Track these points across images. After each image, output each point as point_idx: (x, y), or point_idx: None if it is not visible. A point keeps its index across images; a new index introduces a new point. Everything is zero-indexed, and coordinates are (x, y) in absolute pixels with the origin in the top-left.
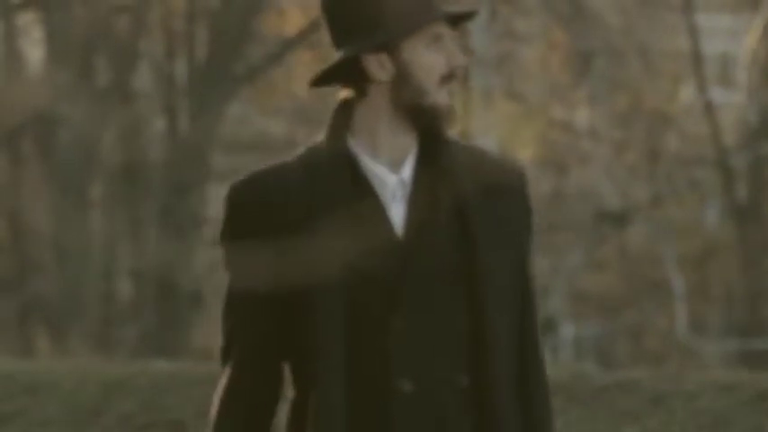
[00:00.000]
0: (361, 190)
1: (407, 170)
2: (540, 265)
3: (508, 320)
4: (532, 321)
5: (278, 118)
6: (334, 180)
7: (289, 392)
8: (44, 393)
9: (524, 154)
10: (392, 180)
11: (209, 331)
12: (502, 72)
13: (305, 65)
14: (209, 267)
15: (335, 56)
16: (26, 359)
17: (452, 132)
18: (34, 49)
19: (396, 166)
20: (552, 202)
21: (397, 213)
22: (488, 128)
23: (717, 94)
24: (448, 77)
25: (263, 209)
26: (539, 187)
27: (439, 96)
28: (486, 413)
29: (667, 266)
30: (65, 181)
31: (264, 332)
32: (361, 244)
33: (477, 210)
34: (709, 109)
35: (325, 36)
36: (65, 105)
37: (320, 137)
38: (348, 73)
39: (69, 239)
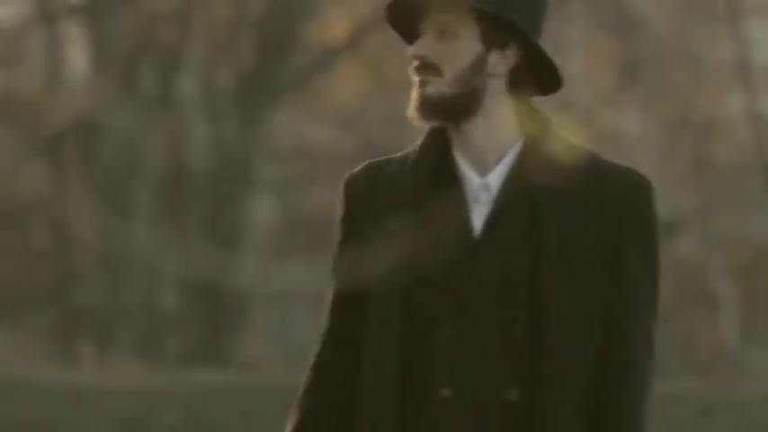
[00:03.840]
0: (448, 188)
1: (497, 173)
2: None
3: (579, 336)
4: (623, 345)
5: (323, 126)
6: (423, 175)
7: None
8: (89, 404)
9: None
10: (475, 181)
11: (256, 341)
12: None
13: (350, 73)
14: (254, 276)
15: None
16: (71, 370)
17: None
18: (79, 57)
19: (484, 167)
20: None
21: (479, 216)
22: None
23: (765, 103)
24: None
25: (357, 201)
26: None
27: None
28: (538, 430)
29: (715, 276)
30: (109, 189)
31: (344, 320)
32: (429, 243)
33: (557, 220)
34: (756, 118)
35: (370, 44)
36: (109, 113)
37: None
38: None
39: (113, 249)
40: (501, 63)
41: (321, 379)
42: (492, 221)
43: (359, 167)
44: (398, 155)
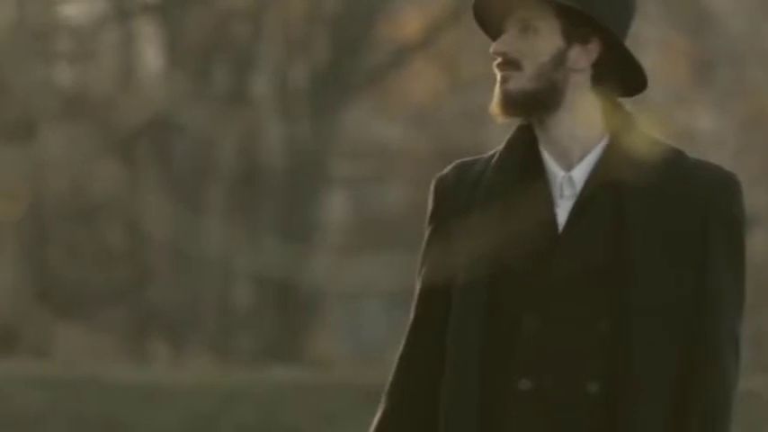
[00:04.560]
0: (533, 183)
1: (582, 168)
2: None
3: (663, 334)
4: (707, 343)
5: (396, 124)
6: (509, 170)
7: None
8: (162, 401)
9: None
10: (560, 176)
11: (328, 338)
12: None
13: (424, 70)
14: (327, 273)
15: None
16: (144, 368)
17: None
18: (153, 55)
19: (569, 162)
20: None
21: (563, 211)
22: None
23: None
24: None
25: (446, 199)
26: None
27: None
28: (616, 424)
29: None
30: (182, 187)
31: (429, 313)
32: (514, 237)
33: (641, 217)
34: None
35: (444, 41)
36: (183, 111)
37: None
38: None
39: (187, 246)
40: (582, 58)
41: (406, 371)
42: (575, 216)
43: (449, 167)
44: (487, 154)
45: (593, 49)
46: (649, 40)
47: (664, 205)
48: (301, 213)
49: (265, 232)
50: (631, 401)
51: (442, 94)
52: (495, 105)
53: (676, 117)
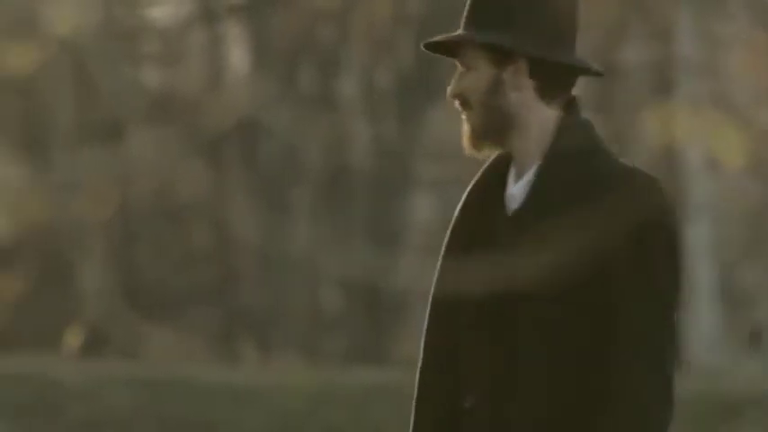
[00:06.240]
0: (495, 200)
1: (521, 184)
2: (751, 274)
3: (559, 348)
4: (614, 358)
5: None
6: (481, 186)
7: None
8: (250, 403)
9: (733, 163)
10: (507, 193)
11: (416, 339)
12: (707, 79)
13: None
14: (415, 275)
15: None
16: (232, 369)
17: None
18: (239, 57)
19: (518, 178)
20: (762, 212)
21: (509, 228)
22: (695, 137)
23: None
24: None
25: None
26: (748, 197)
27: None
28: None
29: None
30: (269, 189)
31: (431, 326)
32: (470, 256)
33: (558, 235)
34: None
35: None
36: (269, 113)
37: None
38: None
39: (274, 248)
40: (517, 76)
41: (423, 374)
42: (506, 234)
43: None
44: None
45: (523, 66)
46: (732, 40)
47: (583, 221)
48: (388, 215)
49: (352, 233)
50: (514, 421)
51: None
52: (464, 144)
53: (759, 116)
